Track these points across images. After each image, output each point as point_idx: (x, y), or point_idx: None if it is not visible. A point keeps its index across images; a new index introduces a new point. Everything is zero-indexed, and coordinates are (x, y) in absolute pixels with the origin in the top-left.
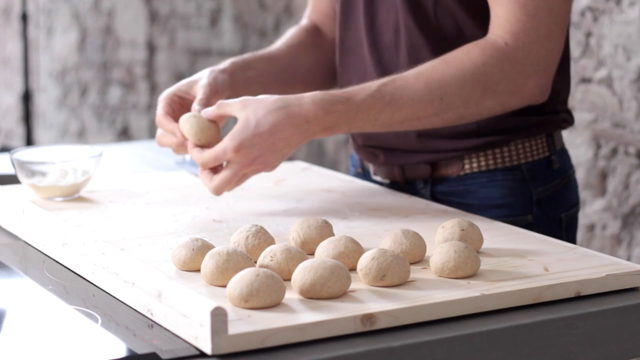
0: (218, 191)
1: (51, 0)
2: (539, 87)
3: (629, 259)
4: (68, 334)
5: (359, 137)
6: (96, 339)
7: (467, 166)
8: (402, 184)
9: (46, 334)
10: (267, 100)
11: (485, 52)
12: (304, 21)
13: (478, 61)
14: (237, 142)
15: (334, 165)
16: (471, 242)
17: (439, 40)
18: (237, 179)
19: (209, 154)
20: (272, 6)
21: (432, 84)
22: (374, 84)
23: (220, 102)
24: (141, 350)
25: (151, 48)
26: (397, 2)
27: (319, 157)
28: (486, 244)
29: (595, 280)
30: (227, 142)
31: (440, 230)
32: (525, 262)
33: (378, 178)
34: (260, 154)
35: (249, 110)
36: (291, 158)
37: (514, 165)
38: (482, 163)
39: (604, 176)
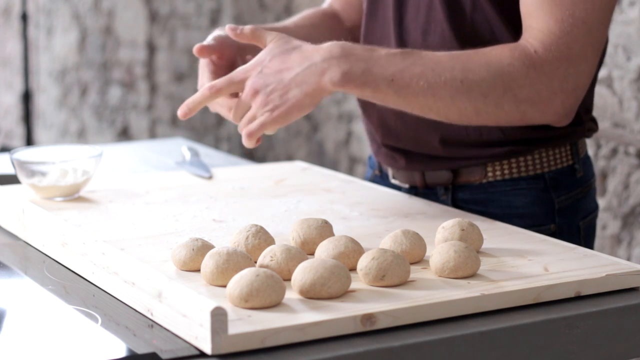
0: (212, 86)
1: (51, 0)
2: (563, 107)
3: (629, 259)
4: (68, 334)
5: (378, 133)
6: (96, 339)
7: (490, 174)
8: (421, 189)
9: (46, 334)
10: (300, 42)
11: (513, 54)
12: (324, 5)
13: (504, 59)
14: (253, 61)
15: (334, 165)
16: (471, 242)
17: (473, 45)
18: (234, 79)
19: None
20: (272, 6)
21: (455, 62)
22: (399, 49)
23: (255, 27)
24: (141, 350)
25: (151, 48)
26: (434, 2)
27: (319, 157)
28: (486, 244)
29: (595, 280)
30: (247, 64)
31: (440, 230)
32: (525, 262)
33: (397, 182)
34: (266, 82)
35: (281, 41)
36: (291, 158)
37: (537, 174)
38: (506, 171)
39: (604, 176)
